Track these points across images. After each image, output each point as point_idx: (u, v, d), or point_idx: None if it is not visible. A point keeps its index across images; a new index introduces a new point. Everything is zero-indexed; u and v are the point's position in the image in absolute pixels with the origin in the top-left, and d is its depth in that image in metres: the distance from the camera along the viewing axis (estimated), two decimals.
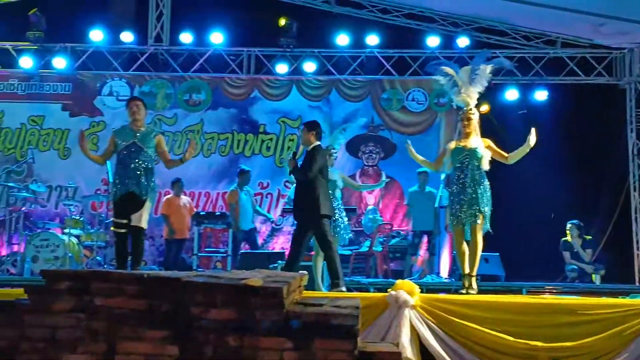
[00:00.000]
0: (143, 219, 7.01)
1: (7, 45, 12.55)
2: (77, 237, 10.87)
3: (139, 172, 6.99)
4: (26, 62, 12.43)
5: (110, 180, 10.15)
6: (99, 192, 11.66)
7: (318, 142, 7.24)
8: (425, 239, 10.75)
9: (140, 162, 7.02)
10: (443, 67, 6.96)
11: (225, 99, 12.80)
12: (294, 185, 7.38)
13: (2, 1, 12.44)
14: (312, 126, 7.30)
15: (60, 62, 12.45)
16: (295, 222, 7.27)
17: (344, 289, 6.86)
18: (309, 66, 12.54)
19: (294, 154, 7.34)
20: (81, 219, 11.05)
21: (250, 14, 12.30)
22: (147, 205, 7.05)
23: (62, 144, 12.56)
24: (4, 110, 12.64)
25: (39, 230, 10.76)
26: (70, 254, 10.31)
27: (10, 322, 4.00)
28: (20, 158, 12.34)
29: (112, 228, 7.14)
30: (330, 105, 12.60)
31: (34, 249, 10.25)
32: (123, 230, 6.99)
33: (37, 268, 10.08)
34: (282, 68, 12.57)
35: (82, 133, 7.28)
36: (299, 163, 7.22)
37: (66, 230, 10.67)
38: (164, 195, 11.84)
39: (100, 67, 12.70)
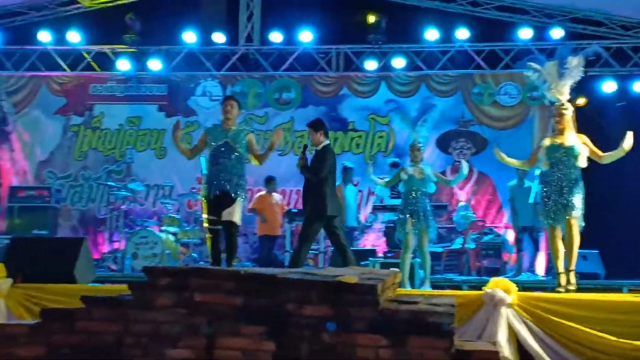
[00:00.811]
0: (236, 215, 7.10)
1: (105, 48, 13.01)
2: (174, 234, 11.16)
3: (230, 170, 7.10)
4: (123, 65, 12.86)
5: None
6: (194, 190, 11.92)
7: (327, 141, 7.48)
8: (527, 234, 10.50)
9: (232, 160, 7.13)
10: (529, 63, 6.79)
11: (315, 97, 12.89)
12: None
13: (98, 6, 12.90)
14: (318, 126, 7.51)
15: (155, 64, 12.82)
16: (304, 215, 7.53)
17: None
18: (398, 62, 12.47)
19: (305, 148, 7.49)
20: (177, 216, 11.35)
21: (339, 12, 12.35)
22: (239, 203, 7.14)
23: (158, 144, 12.93)
24: (103, 111, 13.11)
25: (138, 228, 11.10)
26: (167, 251, 10.60)
27: (115, 317, 4.15)
28: (120, 158, 12.79)
29: (205, 225, 7.26)
30: (403, 104, 12.46)
31: (133, 246, 10.58)
32: (216, 227, 7.11)
33: (137, 265, 10.41)
34: (371, 65, 12.55)
35: (177, 122, 7.40)
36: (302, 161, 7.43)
37: (163, 228, 10.98)
38: (256, 193, 12.02)
39: (194, 68, 13.01)
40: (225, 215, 7.02)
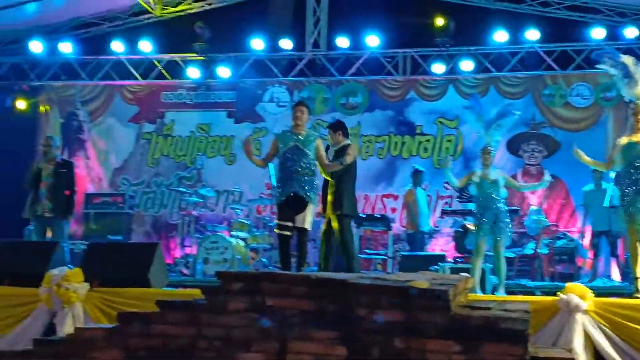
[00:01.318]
0: (307, 220, 7.14)
1: (176, 57, 13.28)
2: (244, 239, 11.27)
3: (301, 175, 7.14)
4: (193, 73, 13.10)
5: (274, 184, 10.56)
6: (262, 196, 12.05)
7: (348, 141, 7.69)
8: (603, 240, 10.23)
9: (302, 165, 7.17)
10: (618, 57, 6.59)
11: (382, 101, 12.85)
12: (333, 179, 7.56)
13: (169, 16, 13.18)
14: (337, 127, 7.81)
15: (224, 71, 13.01)
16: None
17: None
18: (466, 65, 12.34)
19: (327, 148, 7.66)
20: (247, 222, 11.46)
21: (405, 16, 12.29)
22: (310, 208, 7.18)
23: (227, 150, 13.11)
24: (174, 119, 13.37)
25: (209, 233, 11.26)
26: (238, 256, 10.71)
27: (189, 321, 4.22)
28: (190, 164, 13.02)
29: (276, 230, 7.33)
30: (480, 104, 12.28)
31: (204, 251, 10.73)
32: (287, 233, 7.16)
33: (208, 269, 10.55)
34: (438, 68, 12.45)
35: (246, 140, 7.51)
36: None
37: (233, 233, 11.10)
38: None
39: (261, 75, 13.14)
40: (297, 221, 7.07)
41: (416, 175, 11.03)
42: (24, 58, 13.45)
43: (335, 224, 7.53)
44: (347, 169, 7.46)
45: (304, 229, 7.10)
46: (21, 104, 13.56)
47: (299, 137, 7.25)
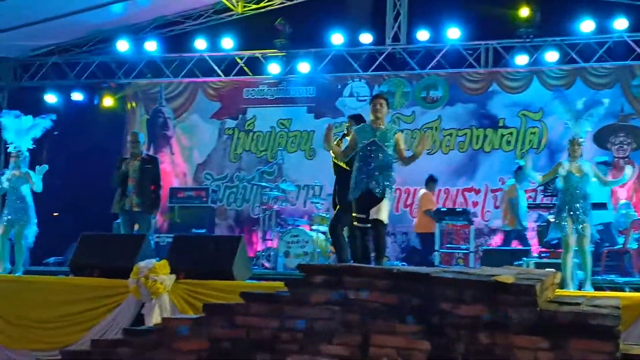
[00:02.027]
0: (383, 214, 7.09)
1: (257, 53, 13.42)
2: (324, 233, 11.32)
3: (378, 170, 7.09)
4: (274, 68, 13.20)
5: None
6: None
7: None
8: None
9: (380, 159, 7.12)
10: None
11: (463, 94, 12.66)
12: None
13: (250, 13, 13.32)
14: (360, 120, 7.65)
15: (304, 67, 13.07)
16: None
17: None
18: (551, 56, 12.01)
19: (343, 136, 7.55)
20: (327, 216, 11.47)
21: (487, 7, 12.05)
22: (386, 202, 7.13)
23: (308, 145, 13.17)
24: (255, 115, 13.52)
25: (290, 227, 11.36)
26: (318, 249, 10.78)
27: (272, 313, 4.26)
28: (271, 159, 13.15)
29: (354, 223, 7.31)
30: (566, 95, 11.95)
31: (285, 245, 10.84)
32: (365, 225, 7.14)
33: (289, 263, 10.66)
34: (521, 59, 12.17)
35: (329, 125, 7.50)
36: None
37: (314, 227, 11.17)
38: (404, 193, 12.05)
39: (341, 69, 13.14)
40: (372, 214, 7.02)
41: (519, 171, 10.83)
42: (111, 57, 13.85)
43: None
44: None
45: (381, 222, 7.04)
46: (108, 102, 13.99)
47: (378, 131, 7.18)
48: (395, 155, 7.26)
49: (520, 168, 10.74)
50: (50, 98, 13.99)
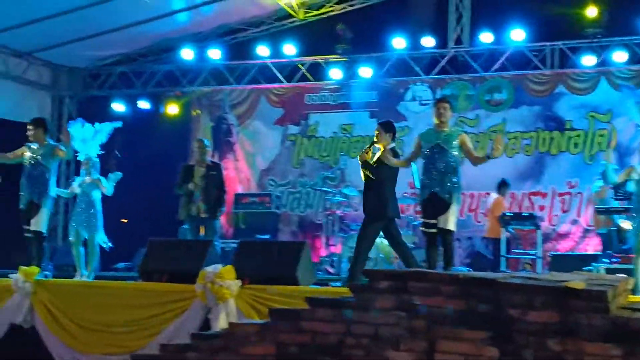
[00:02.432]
0: (450, 221, 7.05)
1: (319, 59, 13.48)
2: None
3: (443, 173, 7.07)
4: (335, 74, 13.24)
5: (417, 184, 10.50)
6: (406, 195, 11.98)
7: (393, 144, 7.62)
8: None
9: (444, 163, 7.09)
10: None
11: (528, 97, 12.46)
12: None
13: (311, 19, 13.39)
14: (390, 128, 7.66)
15: (366, 71, 13.06)
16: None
17: None
18: (619, 56, 11.71)
19: (372, 144, 7.54)
20: None
21: (552, 7, 11.83)
22: (454, 208, 7.08)
23: (370, 151, 13.11)
24: (318, 120, 13.59)
25: (353, 232, 11.34)
26: (382, 255, 10.74)
27: (337, 318, 4.27)
28: (334, 165, 13.19)
29: (421, 228, 7.29)
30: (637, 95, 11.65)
31: (349, 250, 10.82)
32: (432, 231, 7.11)
33: None
34: (588, 60, 11.90)
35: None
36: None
37: None
38: (469, 197, 11.93)
39: (403, 73, 13.09)
40: (440, 222, 7.00)
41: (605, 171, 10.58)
42: (175, 65, 14.12)
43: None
44: (394, 171, 7.54)
45: (448, 230, 7.01)
46: (174, 109, 14.26)
47: (442, 135, 7.16)
48: (461, 157, 7.21)
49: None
50: (118, 106, 14.34)
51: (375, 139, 7.62)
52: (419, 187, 7.43)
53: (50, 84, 14.58)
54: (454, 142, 7.14)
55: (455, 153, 7.16)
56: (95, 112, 13.70)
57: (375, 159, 7.48)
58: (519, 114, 12.47)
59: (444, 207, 7.02)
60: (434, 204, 7.08)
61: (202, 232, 8.96)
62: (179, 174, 9.18)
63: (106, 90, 14.64)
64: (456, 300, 4.09)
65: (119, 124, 9.77)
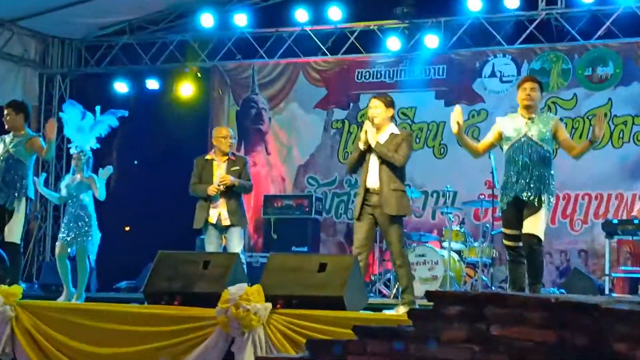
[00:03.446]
0: (538, 228, 6.99)
1: (372, 25, 13.45)
2: (458, 252, 11.24)
3: (530, 171, 7.03)
4: (393, 44, 13.22)
5: (495, 182, 10.42)
6: (482, 197, 11.91)
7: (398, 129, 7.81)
8: None
9: (532, 158, 7.04)
10: None
11: None
12: None
13: None
14: (392, 103, 7.77)
15: (432, 41, 13.00)
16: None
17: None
18: None
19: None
20: (462, 230, 11.41)
21: None
22: (542, 212, 7.03)
23: (437, 140, 13.10)
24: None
25: (414, 244, 11.34)
26: (451, 273, 10.71)
27: (394, 352, 4.24)
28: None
29: (504, 241, 7.25)
30: None
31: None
32: (516, 244, 7.07)
33: (415, 290, 10.59)
34: None
35: (457, 108, 7.48)
36: None
37: (445, 244, 11.10)
38: (562, 199, 11.81)
39: (480, 43, 13.03)
40: (525, 228, 6.96)
41: None
42: (193, 35, 14.24)
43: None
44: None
45: (534, 237, 6.94)
46: (190, 90, 14.37)
47: (529, 121, 7.12)
48: (554, 148, 7.17)
49: None
50: (121, 87, 14.53)
51: (372, 118, 7.60)
52: (501, 187, 7.37)
53: (38, 59, 14.82)
54: (544, 131, 7.08)
55: (547, 145, 7.10)
56: (93, 93, 13.94)
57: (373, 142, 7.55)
58: (628, 93, 12.31)
59: (532, 212, 6.98)
60: (519, 208, 7.05)
61: (224, 242, 9.00)
62: (194, 171, 9.21)
63: (107, 67, 14.83)
64: (546, 330, 4.04)
65: (124, 113, 9.88)
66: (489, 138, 7.53)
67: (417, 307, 6.95)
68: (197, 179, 9.09)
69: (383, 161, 7.54)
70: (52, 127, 8.46)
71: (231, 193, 8.89)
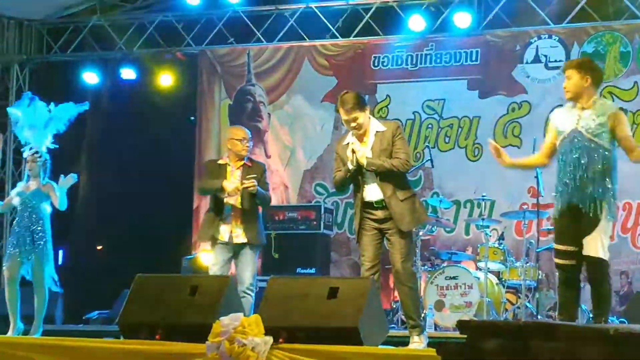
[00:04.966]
0: (599, 245, 6.97)
1: (391, 1, 13.46)
2: (497, 274, 11.21)
3: (586, 175, 7.01)
4: (417, 23, 13.23)
5: (541, 190, 10.39)
6: (525, 207, 11.89)
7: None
8: None
9: (588, 158, 7.02)
10: None
11: None
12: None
13: None
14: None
15: (463, 19, 13.01)
16: None
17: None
18: None
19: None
20: (501, 247, 11.37)
21: None
22: (603, 225, 7.00)
23: (470, 139, 13.09)
24: (390, 94, 13.60)
25: (444, 265, 11.31)
26: (488, 299, 10.68)
27: None
28: (414, 162, 13.11)
29: (555, 260, 7.22)
30: None
31: (437, 291, 10.81)
32: (569, 262, 7.04)
33: (443, 318, 10.65)
34: None
35: (491, 143, 7.53)
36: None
37: (481, 264, 11.07)
38: (622, 210, 11.79)
39: (520, 22, 13.03)
40: (585, 248, 6.94)
41: None
42: (176, 15, 14.26)
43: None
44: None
45: (598, 259, 6.92)
46: (169, 80, 14.43)
47: (583, 115, 7.10)
48: (613, 147, 7.13)
49: None
50: (90, 77, 14.58)
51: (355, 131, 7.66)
52: (557, 196, 7.36)
53: None
54: (598, 122, 7.05)
55: (606, 142, 7.07)
56: (58, 84, 13.97)
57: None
58: None
59: (590, 225, 6.95)
60: (574, 220, 7.03)
61: (231, 270, 9.00)
62: (204, 175, 9.22)
63: (74, 54, 14.85)
64: None
65: (84, 107, 9.86)
66: (547, 139, 7.46)
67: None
68: (208, 185, 9.05)
69: (384, 172, 7.57)
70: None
71: (248, 205, 8.82)
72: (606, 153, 7.04)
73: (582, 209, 6.98)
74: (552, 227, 11.55)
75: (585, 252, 6.95)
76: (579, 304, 7.22)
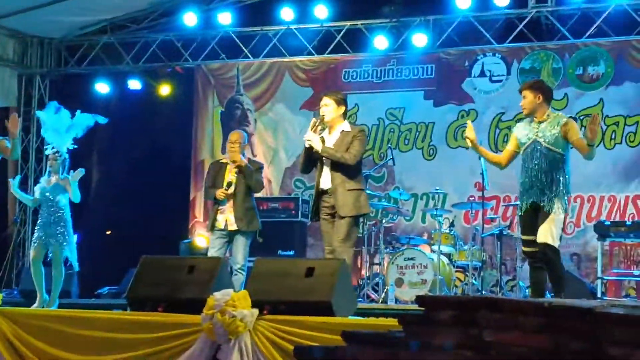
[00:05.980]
0: (551, 235, 7.02)
1: (359, 24, 13.43)
2: (448, 255, 11.23)
3: (542, 177, 7.09)
4: (381, 43, 13.19)
5: (485, 184, 10.43)
6: (472, 199, 11.91)
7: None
8: None
9: (544, 163, 7.10)
10: None
11: (633, 70, 12.31)
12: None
13: None
14: (344, 101, 7.82)
15: (420, 39, 13.01)
16: None
17: None
18: None
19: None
20: (452, 233, 11.40)
21: None
22: (555, 219, 7.06)
23: (426, 141, 13.09)
24: (358, 103, 13.53)
25: (403, 248, 11.31)
26: (440, 277, 10.69)
27: (384, 359, 4.22)
28: (379, 160, 13.13)
29: (523, 248, 7.49)
30: None
31: (397, 271, 10.80)
32: (532, 249, 7.15)
33: (402, 294, 10.66)
34: None
35: (468, 124, 7.56)
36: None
37: (435, 247, 11.09)
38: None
39: (469, 42, 13.04)
40: (538, 236, 7.02)
41: None
42: (176, 34, 14.20)
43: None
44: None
45: (548, 246, 6.97)
46: (169, 90, 14.42)
47: (541, 124, 7.20)
48: (567, 151, 7.20)
49: None
50: (102, 87, 14.50)
51: (321, 116, 7.68)
52: (519, 194, 7.43)
53: (17, 59, 14.74)
54: (553, 133, 7.14)
55: (560, 148, 7.14)
56: (74, 94, 13.88)
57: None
58: (620, 92, 12.33)
59: (544, 217, 7.11)
60: (534, 215, 7.20)
61: (226, 254, 9.03)
62: (208, 175, 9.27)
63: (87, 67, 14.76)
64: (541, 335, 4.02)
65: (103, 120, 9.89)
66: (509, 147, 7.64)
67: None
68: (211, 183, 9.11)
69: (334, 162, 7.55)
70: (14, 123, 8.09)
71: (241, 195, 8.82)
72: (561, 157, 7.17)
73: (539, 205, 7.09)
74: (495, 216, 11.74)
75: (538, 239, 7.08)
76: (545, 282, 7.29)
